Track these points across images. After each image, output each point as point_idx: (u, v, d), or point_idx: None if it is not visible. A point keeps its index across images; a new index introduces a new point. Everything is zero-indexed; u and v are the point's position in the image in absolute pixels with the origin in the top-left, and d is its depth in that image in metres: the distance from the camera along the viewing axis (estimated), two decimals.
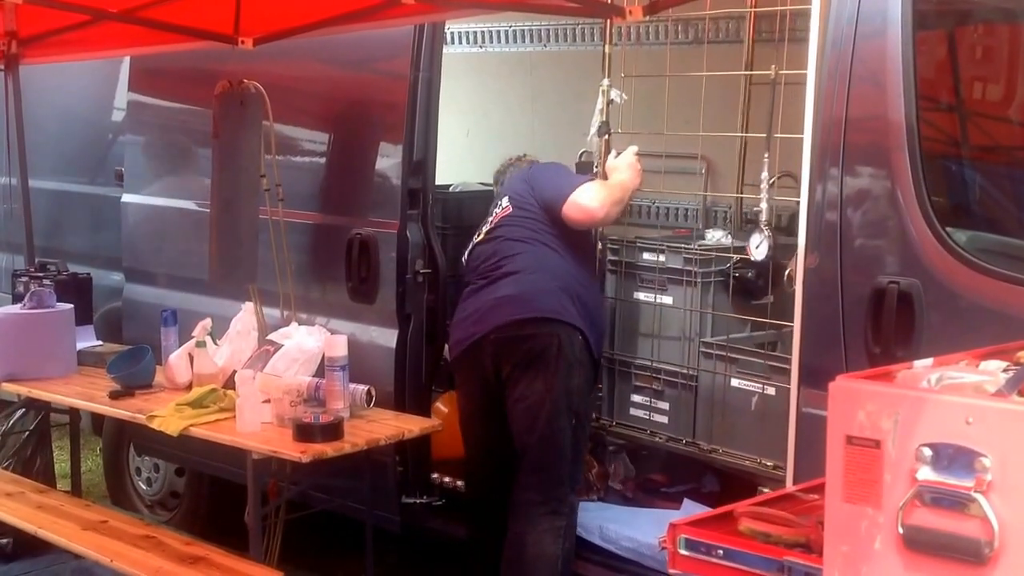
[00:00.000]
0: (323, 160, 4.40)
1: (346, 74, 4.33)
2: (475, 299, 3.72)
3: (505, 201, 3.79)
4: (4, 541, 4.63)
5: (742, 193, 4.19)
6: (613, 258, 3.94)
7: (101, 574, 4.39)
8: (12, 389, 4.40)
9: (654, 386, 3.82)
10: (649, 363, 3.83)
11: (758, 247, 3.49)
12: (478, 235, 3.84)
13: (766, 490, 3.27)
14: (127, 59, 5.15)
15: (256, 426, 3.55)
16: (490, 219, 3.82)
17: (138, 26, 4.14)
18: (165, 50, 4.36)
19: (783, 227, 3.73)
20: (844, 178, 2.86)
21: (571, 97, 3.58)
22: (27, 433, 4.79)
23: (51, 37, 4.74)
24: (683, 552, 1.99)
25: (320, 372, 3.79)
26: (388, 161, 4.05)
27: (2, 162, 5.37)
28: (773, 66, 3.59)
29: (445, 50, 4.03)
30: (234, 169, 4.10)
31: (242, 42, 4.01)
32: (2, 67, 4.97)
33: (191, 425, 3.63)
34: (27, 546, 4.62)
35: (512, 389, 3.59)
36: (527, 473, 3.58)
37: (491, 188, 4.24)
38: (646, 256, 3.87)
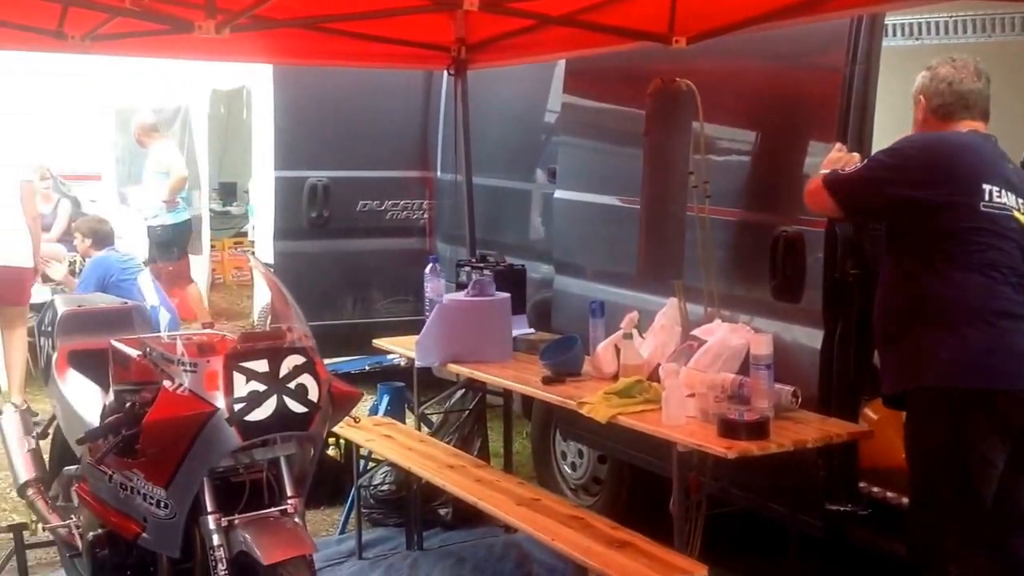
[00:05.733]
0: (749, 157, 4.35)
1: (775, 69, 4.24)
2: None
3: None
4: (445, 511, 5.03)
5: None
6: None
7: (530, 550, 4.65)
8: (454, 370, 4.72)
9: None
10: None
11: None
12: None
13: None
14: (560, 63, 5.39)
15: (681, 419, 3.60)
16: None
17: (576, 29, 4.31)
18: (600, 52, 4.52)
19: None
20: None
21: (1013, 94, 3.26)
22: (467, 412, 5.16)
23: (496, 43, 5.05)
24: None
25: (742, 370, 3.77)
26: (818, 159, 3.93)
27: (449, 160, 5.80)
28: None
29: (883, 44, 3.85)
30: (664, 167, 4.17)
31: (676, 41, 4.06)
32: (452, 72, 5.37)
33: (619, 414, 3.72)
34: (463, 517, 4.99)
35: None
36: None
37: None
38: None
